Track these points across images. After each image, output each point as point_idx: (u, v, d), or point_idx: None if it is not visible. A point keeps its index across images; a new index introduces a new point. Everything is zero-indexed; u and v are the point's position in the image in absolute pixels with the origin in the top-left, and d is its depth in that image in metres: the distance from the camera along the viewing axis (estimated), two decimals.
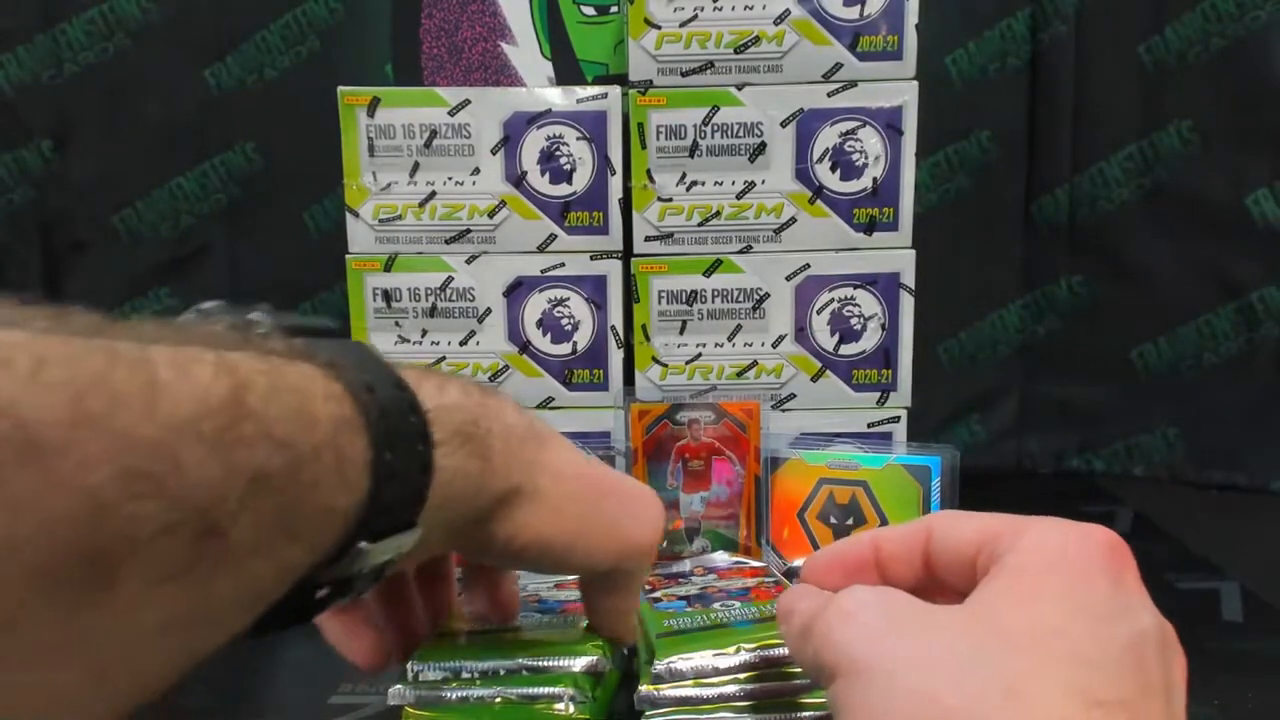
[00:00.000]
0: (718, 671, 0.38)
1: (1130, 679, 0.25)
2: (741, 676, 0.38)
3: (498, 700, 0.38)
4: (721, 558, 0.61)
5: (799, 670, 0.37)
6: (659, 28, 0.66)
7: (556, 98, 0.68)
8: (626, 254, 0.69)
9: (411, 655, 0.39)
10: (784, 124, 0.67)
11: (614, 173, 0.68)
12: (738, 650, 0.38)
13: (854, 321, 0.69)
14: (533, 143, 0.68)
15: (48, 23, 0.79)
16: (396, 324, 0.69)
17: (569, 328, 0.69)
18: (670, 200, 0.68)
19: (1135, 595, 0.27)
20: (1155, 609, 0.27)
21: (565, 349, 0.69)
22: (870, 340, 0.69)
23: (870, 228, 0.68)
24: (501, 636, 0.41)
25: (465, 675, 0.39)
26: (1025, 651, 0.25)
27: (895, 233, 0.68)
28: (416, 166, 0.68)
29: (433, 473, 0.27)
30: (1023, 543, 0.28)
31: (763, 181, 0.68)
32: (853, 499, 0.61)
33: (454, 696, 0.38)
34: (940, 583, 0.32)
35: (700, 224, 0.68)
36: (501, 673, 0.38)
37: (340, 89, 0.67)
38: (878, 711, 0.25)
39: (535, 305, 0.69)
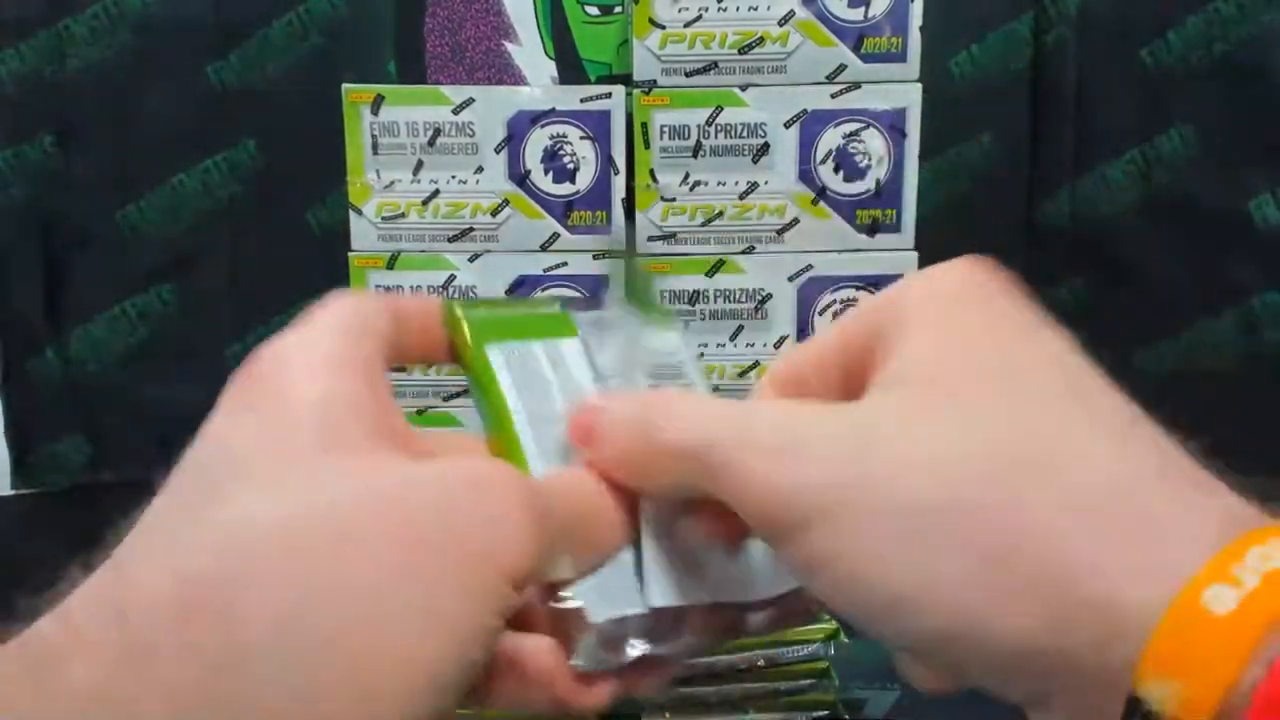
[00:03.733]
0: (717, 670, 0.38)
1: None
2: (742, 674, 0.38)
3: None
4: None
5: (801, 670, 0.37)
6: (663, 28, 0.66)
7: (560, 97, 0.68)
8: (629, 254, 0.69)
9: None
10: (787, 125, 0.67)
11: (617, 172, 0.68)
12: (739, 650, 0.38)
13: None
14: (536, 141, 0.68)
15: (51, 18, 0.79)
16: None
17: None
18: (673, 200, 0.68)
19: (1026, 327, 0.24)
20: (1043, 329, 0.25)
21: None
22: None
23: (873, 229, 0.68)
24: None
25: None
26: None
27: (898, 234, 0.68)
28: (420, 164, 0.68)
29: None
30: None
31: (766, 182, 0.68)
32: None
33: None
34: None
35: (703, 224, 0.68)
36: None
37: (344, 86, 0.67)
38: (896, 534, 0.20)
39: None
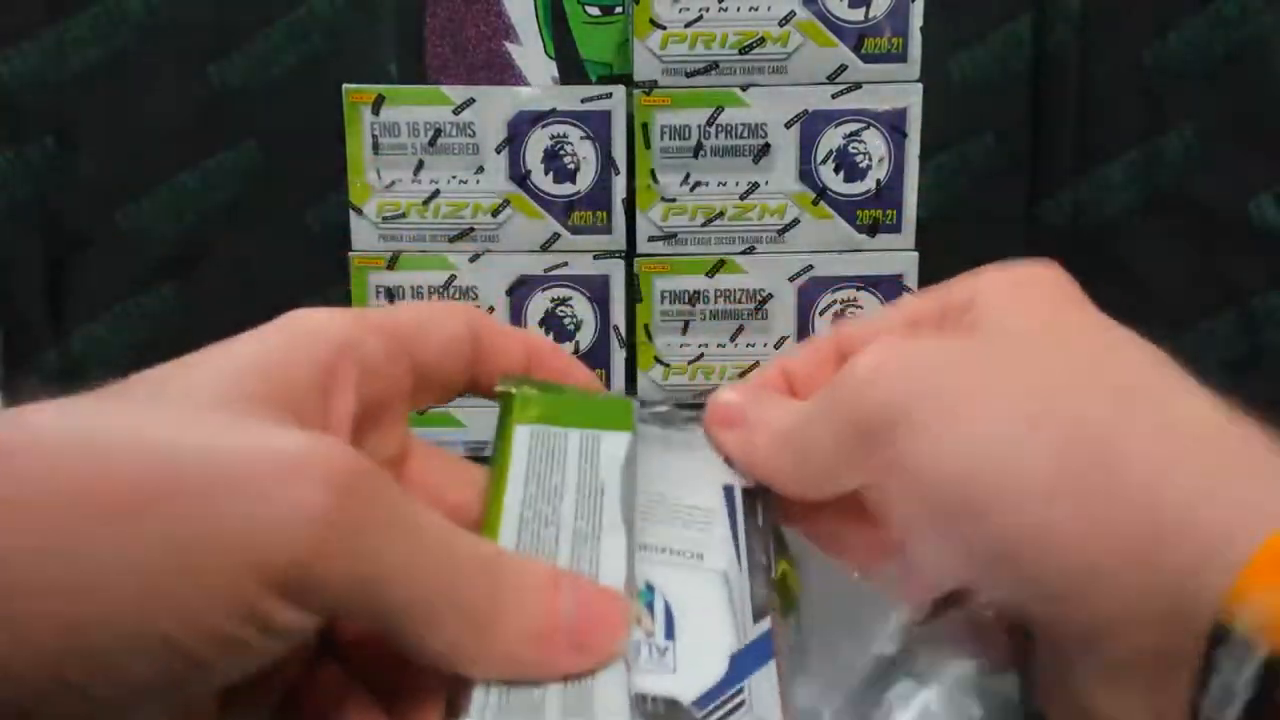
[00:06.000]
0: None
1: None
2: None
3: None
4: None
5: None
6: (664, 28, 0.66)
7: (560, 97, 0.68)
8: (629, 254, 0.69)
9: None
10: (788, 125, 0.67)
11: (618, 172, 0.68)
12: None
13: None
14: (536, 142, 0.68)
15: (52, 18, 0.79)
16: None
17: (571, 327, 0.69)
18: (674, 200, 0.68)
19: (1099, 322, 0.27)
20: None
21: (568, 348, 0.69)
22: None
23: (873, 229, 0.68)
24: None
25: None
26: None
27: (898, 235, 0.68)
28: (420, 164, 0.68)
29: None
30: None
31: (766, 182, 0.68)
32: None
33: None
34: None
35: (704, 224, 0.68)
36: None
37: (345, 86, 0.67)
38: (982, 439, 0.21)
39: (538, 304, 0.69)
